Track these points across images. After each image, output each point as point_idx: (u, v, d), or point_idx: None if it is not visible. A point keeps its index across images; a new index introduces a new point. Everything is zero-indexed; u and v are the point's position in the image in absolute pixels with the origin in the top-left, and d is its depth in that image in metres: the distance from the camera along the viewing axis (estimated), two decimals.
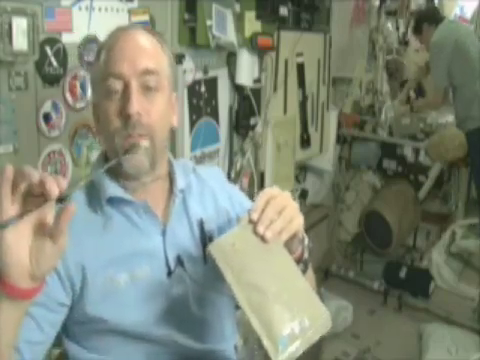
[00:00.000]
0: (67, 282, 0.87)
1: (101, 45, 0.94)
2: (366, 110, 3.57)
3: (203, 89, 2.03)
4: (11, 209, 0.64)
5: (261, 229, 0.79)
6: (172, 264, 0.94)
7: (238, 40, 2.05)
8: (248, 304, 0.75)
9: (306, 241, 0.93)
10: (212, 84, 2.09)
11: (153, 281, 0.92)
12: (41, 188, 0.65)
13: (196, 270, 0.96)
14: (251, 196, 2.39)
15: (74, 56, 1.49)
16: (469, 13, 4.47)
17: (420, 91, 3.70)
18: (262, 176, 2.48)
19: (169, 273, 0.93)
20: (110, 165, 0.85)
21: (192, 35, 1.89)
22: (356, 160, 3.42)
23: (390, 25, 3.72)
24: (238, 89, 2.23)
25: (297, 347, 0.75)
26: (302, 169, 3.05)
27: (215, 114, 2.14)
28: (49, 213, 0.69)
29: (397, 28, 3.80)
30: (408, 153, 3.21)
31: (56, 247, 0.69)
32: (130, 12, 1.62)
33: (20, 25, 1.26)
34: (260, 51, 2.20)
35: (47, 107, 1.43)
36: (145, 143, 0.88)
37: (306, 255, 0.93)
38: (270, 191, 0.82)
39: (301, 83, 2.71)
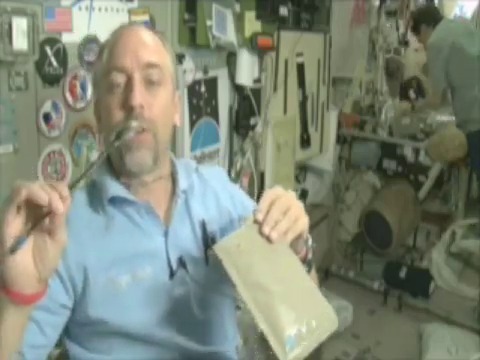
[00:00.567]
0: (68, 283, 0.87)
1: (104, 43, 0.95)
2: (366, 110, 3.57)
3: (203, 89, 2.03)
4: (18, 229, 0.65)
5: (267, 230, 0.78)
6: (174, 265, 0.93)
7: (238, 40, 2.05)
8: (255, 305, 0.75)
9: (310, 241, 0.93)
10: (212, 84, 2.09)
11: (155, 282, 0.91)
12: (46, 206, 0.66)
13: (198, 271, 0.95)
14: (251, 196, 2.39)
15: (74, 56, 1.49)
16: (469, 13, 4.47)
17: (420, 91, 3.70)
18: (262, 176, 2.48)
19: (171, 274, 0.93)
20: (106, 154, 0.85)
21: (192, 35, 1.89)
22: (356, 160, 3.42)
23: (390, 25, 3.72)
24: (238, 89, 2.23)
25: (304, 347, 0.75)
26: (302, 169, 3.05)
27: (215, 114, 2.14)
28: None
29: (397, 28, 3.80)
30: (408, 153, 3.21)
31: (56, 244, 0.69)
32: (130, 12, 1.63)
33: (20, 25, 1.26)
34: (260, 51, 2.20)
35: (47, 107, 1.43)
36: (148, 139, 0.87)
37: (310, 255, 0.93)
38: (275, 191, 0.81)
39: (301, 83, 2.71)
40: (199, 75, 1.99)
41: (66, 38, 1.45)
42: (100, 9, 1.53)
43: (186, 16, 1.87)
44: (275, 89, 2.48)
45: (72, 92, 1.49)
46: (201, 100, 2.03)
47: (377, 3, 3.53)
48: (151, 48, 0.91)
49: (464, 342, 2.59)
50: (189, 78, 1.92)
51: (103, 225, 0.91)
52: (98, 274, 0.88)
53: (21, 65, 1.33)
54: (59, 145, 1.48)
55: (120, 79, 0.87)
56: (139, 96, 0.85)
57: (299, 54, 2.63)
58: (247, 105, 2.27)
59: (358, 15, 3.32)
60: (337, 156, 3.34)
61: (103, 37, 0.96)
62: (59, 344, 0.95)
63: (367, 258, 3.40)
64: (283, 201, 0.80)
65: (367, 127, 3.37)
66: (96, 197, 0.93)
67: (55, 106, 1.45)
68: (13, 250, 0.64)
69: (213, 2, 1.88)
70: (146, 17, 1.68)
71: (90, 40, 1.50)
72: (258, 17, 2.16)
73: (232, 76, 2.18)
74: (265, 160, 2.49)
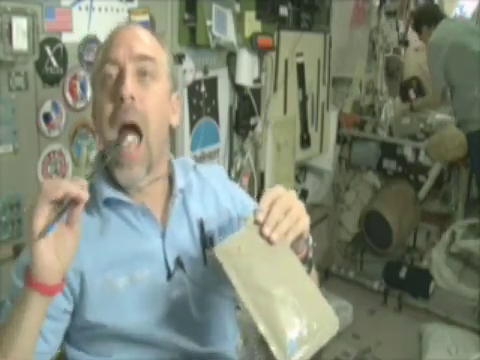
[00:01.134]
0: (67, 288, 0.86)
1: (101, 43, 0.95)
2: (366, 110, 3.57)
3: (203, 89, 2.03)
4: (45, 221, 0.70)
5: (267, 231, 0.77)
6: (172, 266, 0.93)
7: (238, 40, 2.05)
8: (255, 308, 0.74)
9: (310, 241, 0.92)
10: (212, 84, 2.09)
11: (153, 284, 0.91)
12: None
13: (196, 272, 0.95)
14: (251, 196, 2.38)
15: (74, 56, 1.49)
16: (469, 13, 4.46)
17: (420, 90, 3.69)
18: (262, 176, 2.48)
19: (169, 276, 0.92)
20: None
21: (192, 35, 1.89)
22: (356, 160, 3.42)
23: (390, 25, 3.72)
24: (238, 89, 2.23)
25: (305, 351, 0.74)
26: (302, 169, 3.05)
27: (215, 114, 2.14)
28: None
29: (397, 28, 3.80)
30: (408, 153, 3.21)
31: (73, 234, 0.74)
32: (130, 12, 1.63)
33: (20, 25, 1.26)
34: (260, 51, 2.20)
35: (47, 107, 1.43)
36: (141, 153, 0.86)
37: (310, 255, 0.92)
38: (275, 191, 0.80)
39: (301, 83, 2.71)
40: (199, 75, 1.99)
41: (66, 38, 1.45)
42: (100, 9, 1.53)
43: (186, 16, 1.86)
44: (275, 89, 2.48)
45: (72, 92, 1.49)
46: (201, 100, 2.03)
47: (377, 3, 3.53)
48: (146, 42, 0.90)
49: (464, 342, 2.59)
50: (189, 78, 1.92)
51: (99, 228, 0.90)
52: (95, 277, 0.87)
53: (21, 65, 1.33)
54: (59, 145, 1.48)
55: (112, 71, 0.86)
56: (130, 86, 0.84)
57: (299, 54, 2.63)
58: (247, 105, 2.27)
59: (358, 15, 3.32)
60: (337, 156, 3.34)
61: (103, 37, 0.95)
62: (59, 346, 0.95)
63: (367, 258, 3.39)
64: (284, 201, 0.79)
65: (367, 127, 3.37)
66: (91, 200, 0.90)
67: (55, 106, 1.45)
68: (42, 235, 0.70)
69: (213, 2, 1.88)
70: (146, 17, 1.68)
71: (90, 40, 1.50)
72: (258, 17, 2.16)
73: (232, 76, 2.18)
74: (265, 160, 2.49)
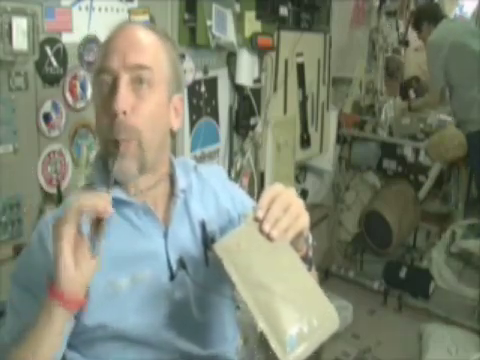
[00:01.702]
0: None
1: (101, 43, 0.94)
2: (366, 110, 3.57)
3: (203, 89, 2.03)
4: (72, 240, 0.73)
5: (267, 227, 0.77)
6: (174, 266, 0.92)
7: (238, 40, 2.05)
8: (255, 304, 0.74)
9: (310, 239, 0.92)
10: (212, 84, 2.09)
11: (155, 284, 0.90)
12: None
13: (198, 272, 0.94)
14: (251, 196, 2.38)
15: (74, 56, 1.49)
16: (469, 13, 4.46)
17: (420, 90, 3.69)
18: (262, 176, 2.48)
19: (171, 276, 0.92)
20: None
21: (192, 35, 1.89)
22: (356, 160, 3.42)
23: (390, 25, 3.72)
24: (238, 89, 2.23)
25: (305, 348, 0.74)
26: (302, 169, 3.05)
27: (215, 114, 2.14)
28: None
29: (397, 28, 3.80)
30: (408, 153, 3.21)
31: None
32: (130, 12, 1.63)
33: (20, 25, 1.26)
34: (260, 51, 2.20)
35: (47, 107, 1.43)
36: (132, 149, 0.85)
37: (310, 253, 0.92)
38: (275, 188, 0.80)
39: (301, 83, 2.71)
40: (199, 75, 1.99)
41: (66, 38, 1.45)
42: (100, 9, 1.53)
43: (186, 16, 1.87)
44: (275, 89, 2.48)
45: (72, 92, 1.49)
46: (201, 100, 2.03)
47: (377, 3, 3.53)
48: (141, 47, 0.86)
49: (464, 342, 2.59)
50: (189, 78, 1.92)
51: None
52: (97, 277, 0.85)
53: (21, 65, 1.33)
54: (59, 145, 1.48)
55: (107, 80, 0.85)
56: (122, 100, 0.82)
57: (299, 54, 2.63)
58: (247, 105, 2.27)
59: (358, 15, 3.32)
60: (337, 156, 3.34)
61: (103, 37, 0.95)
62: None
63: (367, 258, 3.39)
64: (284, 198, 0.79)
65: (367, 127, 3.36)
66: None
67: (55, 106, 1.45)
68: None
69: (213, 2, 1.88)
70: (146, 17, 1.68)
71: (90, 40, 1.50)
72: (258, 17, 2.16)
73: (232, 76, 2.18)
74: (265, 160, 2.49)
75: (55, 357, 0.80)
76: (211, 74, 2.06)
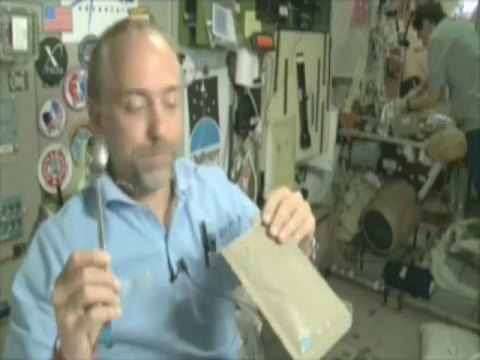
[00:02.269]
0: None
1: (109, 41, 0.87)
2: (366, 110, 3.57)
3: (203, 89, 2.03)
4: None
5: (275, 230, 0.78)
6: (175, 269, 0.92)
7: (238, 40, 2.05)
8: (267, 307, 0.74)
9: (314, 242, 0.92)
10: (212, 84, 2.09)
11: (156, 287, 0.90)
12: None
13: (199, 274, 0.94)
14: (251, 196, 2.39)
15: (74, 56, 1.49)
16: (469, 14, 4.46)
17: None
18: (262, 176, 2.48)
19: (172, 278, 0.92)
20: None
21: (192, 35, 1.89)
22: (356, 160, 3.42)
23: (390, 25, 3.71)
24: (238, 89, 2.23)
25: (320, 348, 0.74)
26: (302, 169, 3.06)
27: (215, 114, 2.14)
28: None
29: (397, 28, 3.80)
30: (408, 153, 3.21)
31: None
32: (130, 12, 1.63)
33: (20, 25, 1.26)
34: (260, 51, 2.20)
35: (47, 107, 1.43)
36: (167, 161, 0.88)
37: (314, 256, 0.93)
38: (281, 192, 0.81)
39: (301, 83, 2.71)
40: (199, 75, 1.99)
41: (66, 38, 1.45)
42: (100, 9, 1.53)
43: (186, 16, 1.87)
44: (275, 89, 2.48)
45: (72, 92, 1.49)
46: (201, 100, 2.03)
47: (377, 3, 3.53)
48: (170, 67, 0.86)
49: (464, 342, 2.59)
50: (189, 78, 1.92)
51: None
52: None
53: (21, 65, 1.33)
54: (59, 145, 1.48)
55: (139, 102, 0.83)
56: (164, 126, 0.83)
57: (299, 54, 2.63)
58: (247, 105, 2.27)
59: (358, 15, 3.32)
60: (337, 156, 3.34)
61: None
62: None
63: (367, 258, 3.40)
64: (290, 202, 0.80)
65: (367, 127, 3.37)
66: (93, 202, 0.91)
67: (55, 106, 1.46)
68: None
69: (213, 2, 1.88)
70: (146, 17, 1.68)
71: (90, 40, 1.50)
72: (258, 17, 2.16)
73: (232, 76, 2.18)
74: (265, 160, 2.49)
75: None
76: (211, 74, 2.06)
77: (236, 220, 1.04)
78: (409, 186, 3.28)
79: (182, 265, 0.93)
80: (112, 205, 0.90)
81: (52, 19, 1.40)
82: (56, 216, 0.95)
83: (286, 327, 0.73)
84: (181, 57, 1.85)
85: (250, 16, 2.12)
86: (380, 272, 3.21)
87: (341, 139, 3.32)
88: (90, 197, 0.93)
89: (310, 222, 0.82)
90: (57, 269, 0.84)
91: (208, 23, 1.88)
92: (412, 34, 3.78)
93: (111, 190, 0.90)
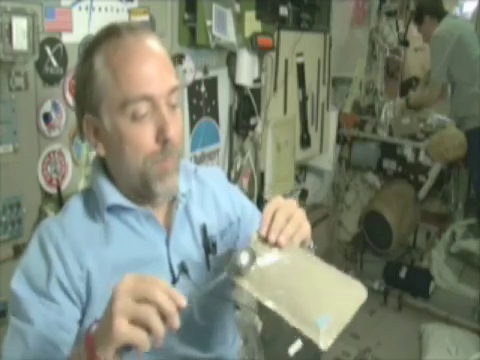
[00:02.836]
0: (75, 296, 0.85)
1: (102, 49, 0.84)
2: (366, 110, 3.57)
3: (203, 89, 2.03)
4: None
5: (273, 236, 0.79)
6: (176, 271, 0.92)
7: (238, 40, 2.05)
8: (278, 305, 0.75)
9: (311, 244, 0.93)
10: (212, 84, 2.09)
11: None
12: None
13: (200, 277, 0.94)
14: (251, 196, 2.39)
15: (74, 56, 1.48)
16: (469, 14, 4.46)
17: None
18: (262, 176, 2.48)
19: (173, 281, 0.92)
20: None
21: (192, 35, 1.89)
22: (356, 160, 3.42)
23: (390, 25, 3.71)
24: (238, 89, 2.23)
25: (338, 325, 0.75)
26: (302, 169, 3.05)
27: (215, 114, 2.14)
28: None
29: (397, 28, 3.80)
30: (408, 153, 3.21)
31: None
32: (130, 12, 1.62)
33: (20, 25, 1.26)
34: (260, 51, 2.20)
35: (47, 107, 1.43)
36: (176, 165, 0.88)
37: None
38: (276, 202, 0.83)
39: (301, 83, 2.71)
40: (199, 75, 1.99)
41: (66, 38, 1.45)
42: (100, 9, 1.53)
43: (186, 16, 1.87)
44: (275, 89, 2.48)
45: (72, 92, 1.49)
46: (201, 100, 2.03)
47: (377, 3, 3.53)
48: (169, 67, 0.86)
49: (464, 342, 2.59)
50: (189, 78, 1.92)
51: (102, 234, 0.89)
52: (100, 284, 0.86)
53: (21, 65, 1.33)
54: (59, 145, 1.48)
55: (145, 109, 0.82)
56: (173, 127, 0.83)
57: (299, 54, 2.63)
58: (247, 105, 2.27)
59: (358, 15, 3.32)
60: (337, 156, 3.34)
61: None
62: None
63: (367, 258, 3.40)
64: (285, 209, 0.82)
65: (367, 127, 3.37)
66: (93, 204, 0.91)
67: (55, 106, 1.45)
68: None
69: (213, 2, 1.88)
70: (146, 17, 1.68)
71: None
72: (258, 17, 2.16)
73: (232, 76, 2.18)
74: (265, 160, 2.49)
75: None
76: (211, 74, 2.06)
77: (236, 221, 1.04)
78: (409, 186, 3.28)
79: (183, 268, 0.93)
80: (113, 209, 0.89)
81: (52, 19, 1.39)
82: (57, 216, 0.95)
83: (301, 317, 0.74)
84: (181, 57, 1.85)
85: (250, 16, 2.12)
86: (380, 272, 3.21)
87: (341, 139, 3.32)
88: (89, 198, 0.92)
89: (306, 227, 0.84)
90: (58, 265, 0.84)
91: (208, 23, 1.88)
92: (412, 34, 3.79)
93: (111, 194, 0.89)
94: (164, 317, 0.65)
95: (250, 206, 1.12)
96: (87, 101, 0.86)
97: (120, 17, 1.59)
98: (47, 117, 1.43)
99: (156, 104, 0.82)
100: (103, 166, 0.92)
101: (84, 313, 0.87)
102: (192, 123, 2.00)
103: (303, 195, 2.94)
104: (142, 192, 0.88)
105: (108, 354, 0.66)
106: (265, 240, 0.80)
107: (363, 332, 2.73)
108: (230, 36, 1.99)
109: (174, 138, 0.84)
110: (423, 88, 3.43)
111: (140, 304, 0.64)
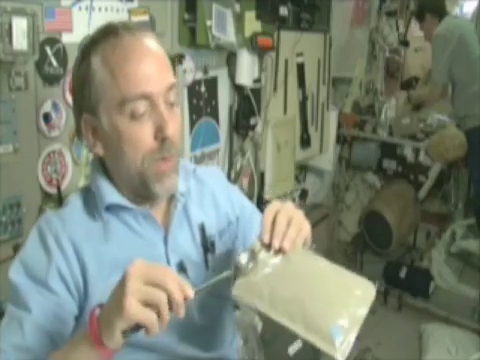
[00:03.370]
0: (73, 288, 0.85)
1: (100, 49, 0.84)
2: (366, 110, 3.57)
3: (203, 89, 2.03)
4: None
5: (277, 242, 0.79)
6: (175, 271, 0.91)
7: (238, 40, 2.05)
8: (291, 321, 0.74)
9: (310, 244, 0.93)
10: (212, 84, 2.09)
11: None
12: None
13: (199, 276, 0.94)
14: (251, 196, 2.39)
15: (74, 56, 1.47)
16: (469, 14, 4.46)
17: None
18: (262, 176, 2.48)
19: None
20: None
21: (192, 35, 1.89)
22: (356, 160, 3.42)
23: (390, 25, 3.71)
24: (238, 89, 2.23)
25: (351, 330, 0.74)
26: (302, 169, 3.05)
27: (215, 114, 2.14)
28: None
29: (397, 28, 3.80)
30: (408, 153, 3.21)
31: None
32: (130, 12, 1.62)
33: (20, 25, 1.26)
34: (260, 51, 2.20)
35: (47, 107, 1.43)
36: (176, 165, 0.88)
37: None
38: (274, 207, 0.83)
39: (301, 83, 2.71)
40: (199, 75, 1.99)
41: (66, 38, 1.45)
42: (100, 9, 1.53)
43: (186, 16, 1.87)
44: (275, 89, 2.48)
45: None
46: (201, 100, 2.03)
47: (377, 3, 3.53)
48: (167, 65, 0.86)
49: (464, 342, 2.59)
50: (189, 78, 1.92)
51: (101, 232, 0.89)
52: (98, 282, 0.86)
53: (21, 65, 1.33)
54: (59, 145, 1.48)
55: (143, 108, 0.82)
56: (171, 125, 0.83)
57: (299, 54, 2.63)
58: (247, 105, 2.27)
59: (358, 15, 3.32)
60: (337, 156, 3.34)
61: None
62: None
63: (367, 258, 3.40)
64: (284, 213, 0.81)
65: (367, 127, 3.37)
66: (91, 203, 0.91)
67: (55, 106, 1.45)
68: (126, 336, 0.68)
69: (213, 2, 1.88)
70: (146, 17, 1.68)
71: None
72: (258, 17, 2.16)
73: (232, 76, 2.18)
74: (265, 160, 2.49)
75: None
76: (211, 74, 2.06)
77: (234, 220, 1.04)
78: (409, 186, 3.28)
79: (182, 267, 0.93)
80: (111, 208, 0.90)
81: (52, 19, 1.40)
82: (57, 210, 0.96)
83: (316, 329, 0.73)
84: (181, 57, 1.85)
85: (250, 16, 2.12)
86: (380, 272, 3.21)
87: (341, 139, 3.32)
88: (89, 197, 0.93)
89: (307, 228, 0.84)
90: (57, 256, 0.85)
91: (208, 23, 1.88)
92: (412, 34, 3.79)
93: (110, 193, 0.89)
94: (171, 306, 0.67)
95: (249, 206, 1.12)
96: (85, 101, 0.86)
97: (120, 17, 1.59)
98: (47, 117, 1.43)
99: (154, 102, 0.82)
100: (102, 166, 0.92)
101: (81, 309, 0.87)
102: (192, 123, 2.00)
103: (303, 195, 2.94)
104: (141, 192, 0.89)
105: (114, 335, 0.67)
106: (268, 246, 0.79)
107: (363, 332, 2.72)
108: (230, 36, 1.99)
109: (173, 136, 0.84)
110: (423, 87, 3.43)
111: (152, 288, 0.66)
